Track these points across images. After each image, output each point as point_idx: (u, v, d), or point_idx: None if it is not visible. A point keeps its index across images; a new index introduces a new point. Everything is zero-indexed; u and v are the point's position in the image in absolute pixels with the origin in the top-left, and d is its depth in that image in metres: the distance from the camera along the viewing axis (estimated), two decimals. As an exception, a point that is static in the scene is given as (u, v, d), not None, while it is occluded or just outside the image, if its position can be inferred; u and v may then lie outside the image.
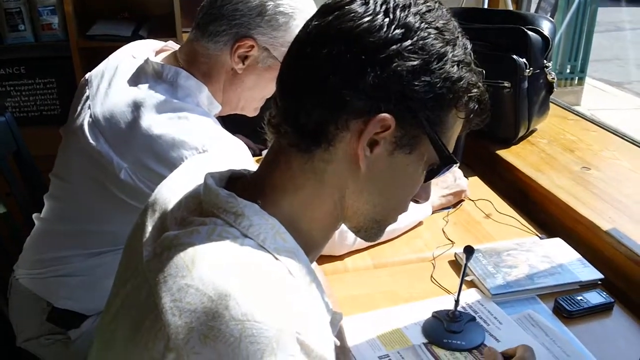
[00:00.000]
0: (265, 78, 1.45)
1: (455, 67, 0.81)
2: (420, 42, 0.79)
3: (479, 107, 0.85)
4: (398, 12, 0.79)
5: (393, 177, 0.86)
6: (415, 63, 0.78)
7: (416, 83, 0.79)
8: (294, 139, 0.82)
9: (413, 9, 0.80)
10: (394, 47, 0.78)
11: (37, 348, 1.54)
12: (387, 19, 0.78)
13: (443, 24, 0.82)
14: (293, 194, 0.84)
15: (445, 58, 0.80)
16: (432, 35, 0.80)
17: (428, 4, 0.82)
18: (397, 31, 0.78)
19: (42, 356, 1.54)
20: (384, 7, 0.79)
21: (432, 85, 0.79)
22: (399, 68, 0.78)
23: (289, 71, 0.85)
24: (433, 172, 0.87)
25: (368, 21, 0.78)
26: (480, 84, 0.85)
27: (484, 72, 0.86)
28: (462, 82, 0.82)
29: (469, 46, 0.85)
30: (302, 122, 0.81)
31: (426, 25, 0.80)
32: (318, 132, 0.81)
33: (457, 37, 0.83)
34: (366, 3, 0.80)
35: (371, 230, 0.92)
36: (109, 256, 1.47)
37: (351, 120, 0.79)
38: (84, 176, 1.45)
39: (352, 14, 0.79)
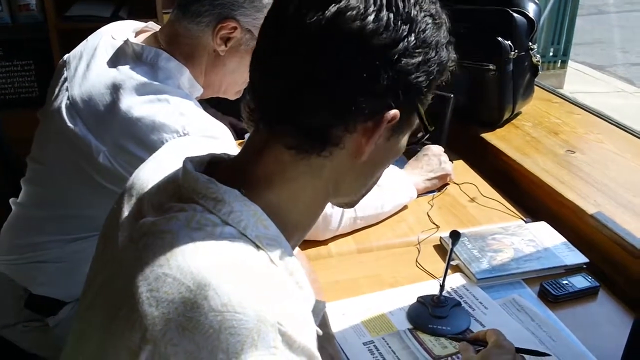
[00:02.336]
0: (247, 61, 1.39)
1: (445, 50, 0.81)
2: (422, 35, 0.77)
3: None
4: (400, 4, 0.76)
5: (386, 157, 0.87)
6: (420, 59, 0.77)
7: (418, 75, 0.78)
8: (292, 142, 0.78)
9: None
10: (401, 44, 0.76)
11: (14, 335, 1.51)
12: (391, 14, 0.75)
13: (434, 8, 0.80)
14: (281, 187, 0.81)
15: (439, 45, 0.80)
16: (429, 25, 0.78)
17: None
18: (403, 27, 0.76)
19: (20, 343, 1.52)
20: (384, 0, 0.75)
21: (429, 73, 0.79)
22: (407, 66, 0.76)
23: (287, 68, 0.78)
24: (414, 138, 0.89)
25: (374, 20, 0.74)
26: (454, 54, 0.84)
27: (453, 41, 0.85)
28: (449, 62, 0.82)
29: (448, 21, 0.83)
30: (307, 125, 0.77)
31: (424, 14, 0.78)
32: (325, 136, 0.78)
33: (442, 15, 0.82)
34: None
35: (356, 202, 0.94)
36: (88, 242, 1.44)
37: (361, 123, 0.78)
38: (61, 160, 1.42)
39: (355, 11, 0.74)
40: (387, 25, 0.75)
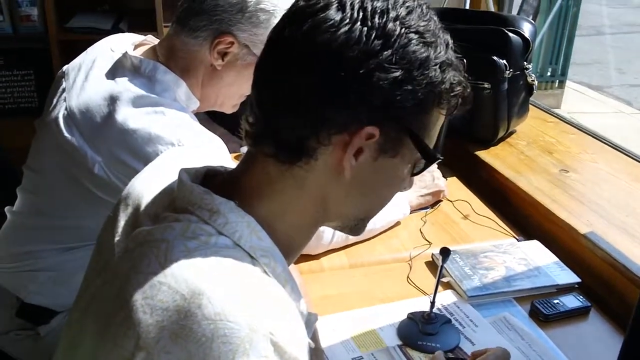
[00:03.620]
0: (244, 75, 1.43)
1: (438, 69, 0.79)
2: (401, 50, 0.76)
3: (461, 101, 0.84)
4: (376, 19, 0.76)
5: (378, 180, 0.85)
6: (397, 74, 0.76)
7: (398, 93, 0.76)
8: (272, 151, 0.80)
9: (392, 14, 0.77)
10: (374, 59, 0.75)
11: (5, 344, 1.51)
12: (365, 28, 0.75)
13: (424, 25, 0.79)
14: (270, 199, 0.82)
15: (427, 63, 0.78)
16: (413, 41, 0.77)
17: (407, 4, 0.79)
18: (376, 42, 0.75)
19: (11, 352, 1.52)
20: (361, 14, 0.76)
21: (415, 92, 0.77)
22: (380, 82, 0.75)
23: (266, 84, 0.82)
24: (418, 167, 0.87)
25: (345, 32, 0.75)
26: (462, 78, 0.82)
27: (465, 61, 0.84)
28: (445, 85, 0.80)
29: (450, 41, 0.82)
30: (281, 137, 0.79)
31: (406, 31, 0.77)
32: (299, 147, 0.79)
33: (439, 35, 0.80)
34: (342, 9, 0.76)
35: (356, 227, 0.92)
36: (81, 251, 1.44)
37: (334, 135, 0.78)
38: (57, 170, 1.43)
39: (329, 23, 0.76)
40: (359, 39, 0.75)
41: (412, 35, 0.77)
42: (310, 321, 0.84)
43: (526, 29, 1.98)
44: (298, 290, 0.81)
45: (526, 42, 1.96)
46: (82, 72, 1.47)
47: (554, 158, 1.99)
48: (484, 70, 1.93)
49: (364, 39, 0.75)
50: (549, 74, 6.82)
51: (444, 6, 2.65)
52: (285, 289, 0.78)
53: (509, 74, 1.94)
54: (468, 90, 0.84)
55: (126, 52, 1.42)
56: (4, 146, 1.89)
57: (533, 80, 2.03)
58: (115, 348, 0.71)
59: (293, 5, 0.81)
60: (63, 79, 1.50)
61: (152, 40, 1.54)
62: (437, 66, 0.79)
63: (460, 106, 0.84)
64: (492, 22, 2.02)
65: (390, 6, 0.77)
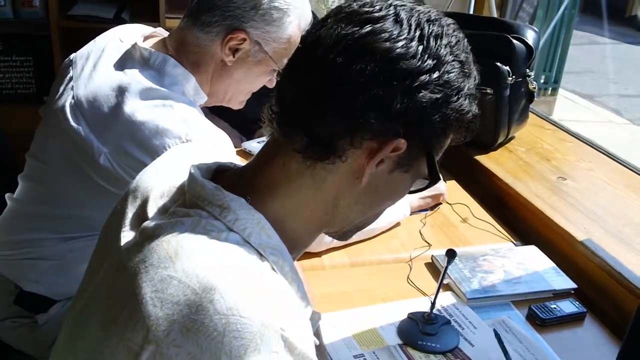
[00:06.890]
0: (254, 72, 1.44)
1: (467, 100, 0.83)
2: (446, 76, 0.80)
3: (469, 130, 0.88)
4: (432, 41, 0.79)
5: (387, 193, 0.88)
6: (438, 96, 0.79)
7: (434, 113, 0.80)
8: (302, 146, 0.81)
9: (445, 40, 0.80)
10: (423, 77, 0.78)
11: (2, 331, 1.50)
12: (421, 47, 0.79)
13: (465, 57, 0.83)
14: (286, 196, 0.83)
15: (462, 92, 0.81)
16: (456, 69, 0.81)
17: (456, 34, 0.83)
18: (429, 62, 0.78)
19: (8, 339, 1.51)
20: (418, 32, 0.79)
21: (446, 116, 0.81)
22: (423, 99, 0.78)
23: (311, 74, 0.82)
24: (416, 186, 0.90)
25: (403, 46, 0.78)
26: (477, 113, 0.87)
27: (478, 97, 0.88)
28: (469, 115, 0.84)
29: (478, 77, 0.86)
30: (316, 131, 0.80)
31: (453, 58, 0.81)
32: (330, 145, 0.80)
33: (473, 69, 0.84)
34: (399, 23, 0.79)
35: (348, 234, 0.95)
36: (82, 241, 1.44)
37: (366, 140, 0.80)
38: (62, 158, 1.42)
39: (388, 33, 0.78)
40: (415, 55, 0.78)
41: (456, 64, 0.81)
42: (314, 319, 0.85)
43: (530, 36, 2.00)
44: (303, 288, 0.83)
45: (529, 49, 1.98)
46: (90, 61, 1.46)
47: (552, 165, 2.01)
48: (487, 76, 1.90)
49: (419, 56, 0.78)
50: (542, 80, 6.83)
51: (448, 10, 2.66)
52: (292, 286, 0.79)
53: (511, 80, 1.95)
54: (477, 124, 0.88)
55: (136, 43, 1.42)
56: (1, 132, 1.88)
57: (534, 88, 2.05)
58: (122, 341, 0.72)
59: (347, 6, 0.83)
60: (70, 67, 1.49)
61: (161, 32, 1.53)
62: (468, 97, 0.83)
63: (465, 138, 0.88)
64: (496, 28, 2.03)
65: (444, 32, 0.81)
